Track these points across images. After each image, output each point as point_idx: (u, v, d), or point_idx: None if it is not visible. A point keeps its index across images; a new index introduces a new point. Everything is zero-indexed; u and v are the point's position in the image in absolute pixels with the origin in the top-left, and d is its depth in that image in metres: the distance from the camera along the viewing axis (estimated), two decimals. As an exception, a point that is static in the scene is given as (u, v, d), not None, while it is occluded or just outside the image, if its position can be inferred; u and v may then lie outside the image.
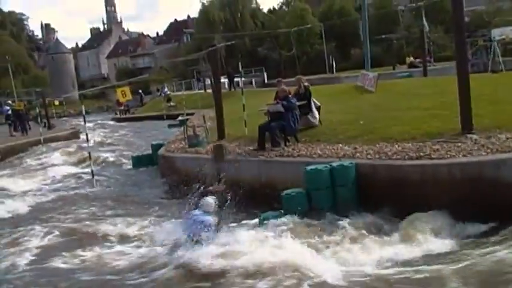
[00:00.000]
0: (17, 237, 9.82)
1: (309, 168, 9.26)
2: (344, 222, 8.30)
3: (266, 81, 50.79)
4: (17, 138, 27.02)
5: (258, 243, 7.56)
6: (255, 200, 10.33)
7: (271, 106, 12.33)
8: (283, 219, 8.75)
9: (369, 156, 9.57)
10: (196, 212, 8.01)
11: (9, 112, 30.50)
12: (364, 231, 7.95)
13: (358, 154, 9.85)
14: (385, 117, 12.60)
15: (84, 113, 14.79)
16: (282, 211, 9.10)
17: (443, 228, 7.74)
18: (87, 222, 10.48)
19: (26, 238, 9.71)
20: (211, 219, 7.86)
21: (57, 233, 9.85)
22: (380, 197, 8.63)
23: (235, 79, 37.55)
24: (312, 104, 13.16)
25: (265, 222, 8.77)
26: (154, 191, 13.57)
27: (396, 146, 9.86)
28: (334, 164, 9.18)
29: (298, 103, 12.23)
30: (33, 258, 8.51)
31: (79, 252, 8.59)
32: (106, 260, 8.11)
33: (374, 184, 8.98)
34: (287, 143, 11.78)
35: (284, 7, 75.94)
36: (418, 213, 8.03)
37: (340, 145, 10.82)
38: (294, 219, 8.71)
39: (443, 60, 40.81)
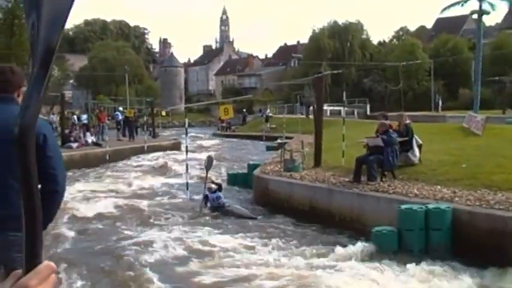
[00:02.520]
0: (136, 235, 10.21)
1: (403, 207, 8.93)
2: (437, 268, 7.89)
3: (368, 113, 50.05)
4: (124, 143, 28.35)
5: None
6: (343, 232, 10.13)
7: (371, 139, 12.08)
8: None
9: (468, 202, 9.07)
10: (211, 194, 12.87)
11: (120, 118, 32.27)
12: (458, 280, 7.52)
13: (457, 198, 9.37)
14: (490, 163, 11.91)
15: (186, 126, 15.21)
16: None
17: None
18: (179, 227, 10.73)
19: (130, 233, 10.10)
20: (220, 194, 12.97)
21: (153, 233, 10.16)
22: (477, 247, 8.13)
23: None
24: (414, 141, 12.72)
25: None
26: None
27: (499, 194, 9.28)
28: (430, 206, 8.80)
29: (399, 139, 11.90)
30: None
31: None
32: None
33: (471, 232, 8.47)
34: (383, 179, 11.46)
35: (394, 40, 74.80)
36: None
37: (439, 187, 10.36)
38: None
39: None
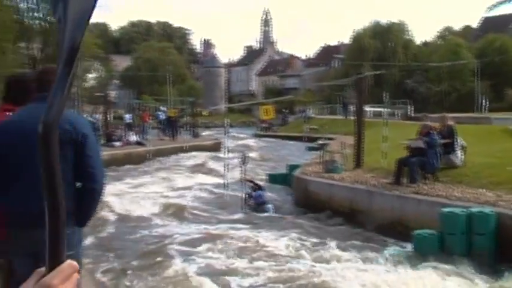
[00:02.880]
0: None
1: (445, 210, 8.74)
2: (480, 273, 7.70)
3: (411, 114, 49.19)
4: (165, 142, 28.72)
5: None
6: (383, 235, 10.00)
7: (413, 141, 11.89)
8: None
9: (513, 207, 8.83)
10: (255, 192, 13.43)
11: (162, 118, 32.74)
12: (502, 286, 7.32)
13: (502, 202, 9.13)
14: (537, 166, 11.56)
15: (225, 125, 15.29)
16: (412, 250, 8.69)
17: None
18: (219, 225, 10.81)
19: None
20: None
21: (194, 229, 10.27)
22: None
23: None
24: (457, 143, 12.43)
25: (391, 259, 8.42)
26: (281, 210, 13.66)
27: (546, 199, 9.00)
28: (474, 210, 8.59)
29: (441, 141, 11.66)
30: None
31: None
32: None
33: (516, 237, 8.25)
34: (425, 181, 11.25)
35: (438, 40, 73.31)
36: None
37: (483, 190, 10.11)
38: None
39: None
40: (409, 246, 8.86)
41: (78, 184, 3.22)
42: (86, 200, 3.21)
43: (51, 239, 0.82)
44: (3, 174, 3.17)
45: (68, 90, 0.82)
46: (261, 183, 14.83)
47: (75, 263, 0.83)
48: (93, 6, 0.82)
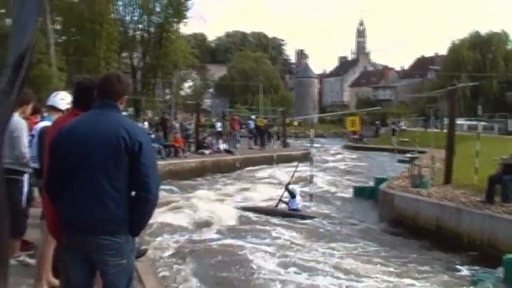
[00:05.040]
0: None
1: (541, 234, 8.02)
2: None
3: (510, 128, 46.46)
4: (254, 152, 28.83)
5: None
6: (471, 257, 9.35)
7: (509, 158, 11.06)
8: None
9: None
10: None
11: (252, 127, 33.01)
12: None
13: None
14: None
15: (312, 136, 15.03)
16: (502, 276, 8.01)
17: None
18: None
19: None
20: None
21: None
22: None
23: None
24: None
25: (479, 285, 7.79)
26: (365, 223, 13.36)
27: None
28: None
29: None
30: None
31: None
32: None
33: None
34: (520, 201, 10.42)
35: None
36: None
37: None
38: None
39: None
40: (499, 272, 8.18)
41: (133, 193, 3.14)
42: (139, 209, 3.13)
43: None
44: (61, 177, 3.16)
45: (15, 97, 0.74)
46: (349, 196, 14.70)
47: None
48: (37, 12, 0.75)
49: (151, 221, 9.94)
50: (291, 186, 14.20)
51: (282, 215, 13.52)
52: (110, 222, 3.06)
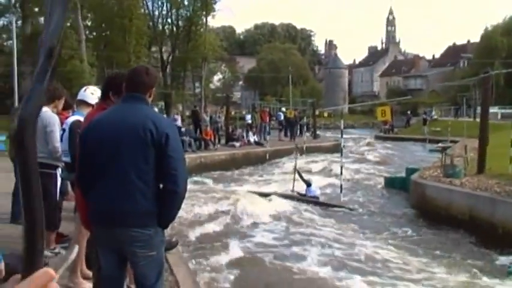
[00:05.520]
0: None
1: None
2: None
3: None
4: (284, 143, 28.78)
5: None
6: (506, 247, 9.17)
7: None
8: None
9: None
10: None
11: (282, 118, 32.99)
12: None
13: None
14: None
15: (342, 126, 14.88)
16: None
17: None
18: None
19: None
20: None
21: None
22: None
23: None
24: None
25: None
26: (396, 213, 13.23)
27: None
28: None
29: None
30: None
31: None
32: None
33: None
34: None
35: None
36: None
37: None
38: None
39: None
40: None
41: (161, 185, 3.16)
42: (167, 202, 3.14)
43: (28, 245, 0.79)
44: (90, 170, 3.20)
45: (46, 84, 0.79)
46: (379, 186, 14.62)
47: (51, 270, 0.76)
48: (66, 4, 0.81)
49: (183, 213, 9.97)
50: (307, 177, 15.16)
51: (315, 203, 13.80)
52: (139, 214, 3.09)
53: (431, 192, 12.63)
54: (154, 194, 3.13)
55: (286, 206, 13.40)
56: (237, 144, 25.00)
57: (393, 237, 10.65)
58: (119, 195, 3.08)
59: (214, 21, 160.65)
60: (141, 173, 3.08)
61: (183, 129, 23.18)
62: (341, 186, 14.42)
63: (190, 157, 19.45)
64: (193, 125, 26.49)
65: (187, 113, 58.00)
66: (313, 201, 13.92)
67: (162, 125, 3.15)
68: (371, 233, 11.00)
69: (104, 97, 4.09)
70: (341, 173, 14.59)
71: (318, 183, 16.22)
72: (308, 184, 14.51)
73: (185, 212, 10.92)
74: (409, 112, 54.52)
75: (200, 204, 12.58)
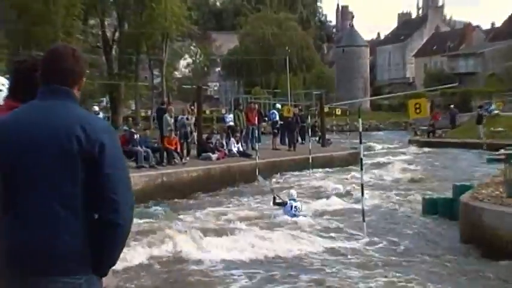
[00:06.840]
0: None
1: None
2: None
3: None
4: (281, 154, 28.79)
5: None
6: None
7: None
8: None
9: None
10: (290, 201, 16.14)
11: (277, 119, 32.52)
12: None
13: None
14: None
15: (360, 130, 14.91)
16: None
17: None
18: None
19: None
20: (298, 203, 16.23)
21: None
22: None
23: None
24: None
25: None
26: (441, 249, 13.30)
27: None
28: None
29: None
30: None
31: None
32: None
33: None
34: None
35: None
36: None
37: None
38: None
39: None
40: None
41: (95, 216, 3.12)
42: (104, 239, 3.09)
43: None
44: (4, 195, 3.14)
45: None
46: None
47: None
48: None
49: (125, 255, 9.96)
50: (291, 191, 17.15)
51: None
52: (62, 256, 3.03)
53: (490, 219, 12.67)
54: (86, 227, 3.08)
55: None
56: (214, 156, 24.94)
57: (437, 283, 10.66)
58: (34, 231, 3.03)
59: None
60: (66, 198, 3.02)
61: (136, 136, 23.06)
62: (363, 212, 14.43)
63: (147, 175, 19.38)
64: (159, 130, 26.15)
65: (143, 113, 57.96)
66: None
67: (95, 129, 3.08)
68: (404, 282, 10.97)
69: (14, 92, 4.04)
70: (362, 194, 14.61)
71: (331, 207, 16.32)
72: (284, 204, 16.28)
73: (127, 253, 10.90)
74: (452, 106, 53.97)
75: (148, 244, 12.62)
